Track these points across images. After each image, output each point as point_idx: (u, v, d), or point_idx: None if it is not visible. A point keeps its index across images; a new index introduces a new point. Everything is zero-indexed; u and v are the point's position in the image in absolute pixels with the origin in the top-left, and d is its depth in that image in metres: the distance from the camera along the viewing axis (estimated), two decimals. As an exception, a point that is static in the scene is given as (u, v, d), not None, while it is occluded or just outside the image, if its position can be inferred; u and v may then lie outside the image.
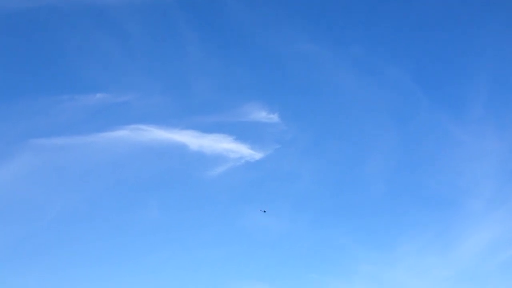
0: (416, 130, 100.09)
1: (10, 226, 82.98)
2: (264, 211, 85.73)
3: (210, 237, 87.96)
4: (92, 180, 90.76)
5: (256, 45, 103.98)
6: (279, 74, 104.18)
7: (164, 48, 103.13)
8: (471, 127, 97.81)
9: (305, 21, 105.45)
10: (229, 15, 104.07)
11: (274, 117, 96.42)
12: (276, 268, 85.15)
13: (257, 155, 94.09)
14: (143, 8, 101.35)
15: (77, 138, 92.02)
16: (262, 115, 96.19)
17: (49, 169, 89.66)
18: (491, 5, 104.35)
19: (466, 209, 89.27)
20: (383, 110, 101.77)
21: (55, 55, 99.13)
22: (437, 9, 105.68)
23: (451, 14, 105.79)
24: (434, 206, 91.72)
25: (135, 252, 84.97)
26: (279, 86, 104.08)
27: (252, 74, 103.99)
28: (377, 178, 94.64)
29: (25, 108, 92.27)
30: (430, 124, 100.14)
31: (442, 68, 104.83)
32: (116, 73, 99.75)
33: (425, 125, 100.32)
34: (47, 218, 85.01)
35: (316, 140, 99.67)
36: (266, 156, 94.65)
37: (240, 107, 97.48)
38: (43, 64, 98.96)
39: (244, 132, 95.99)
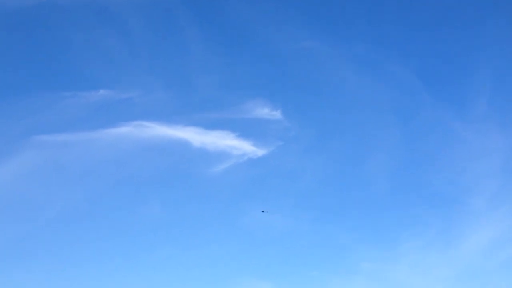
0: (418, 127, 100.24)
1: (12, 223, 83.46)
2: (264, 211, 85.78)
3: (212, 234, 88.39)
4: (94, 176, 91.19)
5: (259, 42, 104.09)
6: (282, 71, 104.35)
7: (167, 45, 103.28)
8: (474, 125, 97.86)
9: (308, 18, 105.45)
10: (232, 12, 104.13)
11: (277, 114, 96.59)
12: (278, 265, 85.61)
13: (260, 152, 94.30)
14: (146, 5, 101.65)
15: (80, 135, 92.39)
16: (264, 112, 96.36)
17: (52, 166, 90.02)
18: (495, 3, 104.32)
19: (468, 207, 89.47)
20: (386, 108, 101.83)
21: (58, 52, 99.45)
22: (440, 7, 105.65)
23: (454, 11, 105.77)
24: (437, 204, 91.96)
25: (137, 249, 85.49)
26: (282, 83, 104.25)
27: (255, 71, 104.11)
28: (379, 175, 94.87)
29: (28, 105, 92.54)
30: (432, 122, 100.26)
31: (445, 65, 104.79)
32: (119, 70, 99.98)
33: (428, 122, 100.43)
34: (49, 215, 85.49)
35: (319, 137, 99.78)
36: (269, 153, 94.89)
37: (243, 104, 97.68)
38: (46, 61, 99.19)
39: (246, 129, 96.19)
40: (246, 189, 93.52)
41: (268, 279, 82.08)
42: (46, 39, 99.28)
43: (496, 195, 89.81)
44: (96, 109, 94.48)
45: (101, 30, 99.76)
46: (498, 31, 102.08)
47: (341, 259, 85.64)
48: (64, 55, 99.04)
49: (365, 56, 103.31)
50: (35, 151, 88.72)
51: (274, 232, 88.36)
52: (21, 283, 76.83)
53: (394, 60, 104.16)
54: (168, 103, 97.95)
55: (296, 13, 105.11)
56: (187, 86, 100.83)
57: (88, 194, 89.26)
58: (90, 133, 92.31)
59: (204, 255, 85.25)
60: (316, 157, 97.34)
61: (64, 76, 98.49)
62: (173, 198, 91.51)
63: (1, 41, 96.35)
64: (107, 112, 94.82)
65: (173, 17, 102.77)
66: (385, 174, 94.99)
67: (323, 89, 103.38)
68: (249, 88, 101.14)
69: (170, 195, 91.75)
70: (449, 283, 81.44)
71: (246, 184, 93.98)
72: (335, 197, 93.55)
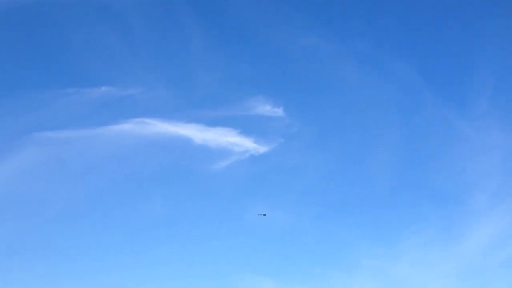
0: (420, 125, 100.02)
1: (14, 220, 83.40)
2: (263, 214, 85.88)
3: (214, 230, 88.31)
4: (96, 173, 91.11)
5: (260, 39, 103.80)
6: (284, 68, 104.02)
7: (168, 42, 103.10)
8: (476, 122, 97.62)
9: (310, 16, 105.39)
10: (233, 9, 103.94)
11: (279, 111, 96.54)
12: (280, 262, 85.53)
13: (262, 149, 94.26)
14: (148, 2, 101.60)
15: (81, 132, 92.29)
16: (266, 109, 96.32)
17: (54, 162, 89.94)
18: (496, 0, 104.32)
19: (470, 204, 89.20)
20: (388, 105, 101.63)
21: (59, 49, 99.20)
22: (442, 5, 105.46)
23: (456, 9, 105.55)
24: (438, 201, 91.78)
25: (139, 245, 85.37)
26: (284, 80, 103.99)
27: (257, 68, 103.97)
28: (381, 172, 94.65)
29: (29, 102, 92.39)
30: (434, 119, 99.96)
31: (447, 63, 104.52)
32: (121, 67, 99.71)
33: (430, 120, 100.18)
34: (51, 211, 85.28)
35: (321, 134, 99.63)
36: (271, 150, 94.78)
37: (245, 101, 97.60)
38: (48, 58, 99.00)
39: (248, 126, 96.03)
40: (248, 186, 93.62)
41: (270, 276, 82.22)
42: (48, 36, 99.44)
43: (497, 193, 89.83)
44: (97, 106, 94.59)
45: (102, 27, 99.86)
46: (500, 29, 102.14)
47: (343, 255, 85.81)
48: (65, 52, 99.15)
49: (367, 53, 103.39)
50: (36, 148, 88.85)
51: (276, 228, 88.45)
52: (23, 280, 76.88)
53: (396, 58, 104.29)
54: (169, 100, 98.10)
55: (298, 10, 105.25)
56: (188, 83, 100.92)
57: (89, 190, 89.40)
58: (91, 130, 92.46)
59: (206, 252, 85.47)
60: (318, 154, 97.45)
61: (65, 73, 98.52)
62: (174, 195, 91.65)
63: (3, 38, 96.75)
64: (108, 109, 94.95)
65: (174, 14, 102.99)
66: (387, 171, 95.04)
67: (325, 86, 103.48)
68: (250, 85, 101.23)
69: (171, 192, 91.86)
70: (450, 280, 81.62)
71: (248, 181, 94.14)
72: (337, 194, 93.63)
